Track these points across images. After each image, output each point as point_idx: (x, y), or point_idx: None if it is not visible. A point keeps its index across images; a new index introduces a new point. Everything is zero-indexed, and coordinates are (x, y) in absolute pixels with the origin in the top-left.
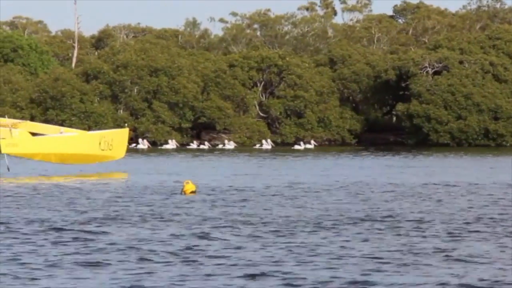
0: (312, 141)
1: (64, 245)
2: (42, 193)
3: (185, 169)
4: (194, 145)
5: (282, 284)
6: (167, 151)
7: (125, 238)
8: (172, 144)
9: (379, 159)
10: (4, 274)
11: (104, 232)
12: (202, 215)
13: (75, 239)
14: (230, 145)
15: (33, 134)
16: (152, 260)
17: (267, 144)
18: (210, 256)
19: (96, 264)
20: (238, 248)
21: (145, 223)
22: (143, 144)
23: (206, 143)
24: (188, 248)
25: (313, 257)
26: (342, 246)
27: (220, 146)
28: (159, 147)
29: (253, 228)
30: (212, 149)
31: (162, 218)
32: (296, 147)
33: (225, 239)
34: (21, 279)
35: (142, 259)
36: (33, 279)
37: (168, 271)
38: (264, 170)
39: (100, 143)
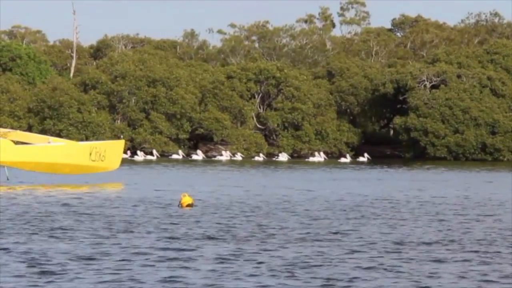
0: (366, 154)
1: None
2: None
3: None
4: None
5: None
6: (220, 162)
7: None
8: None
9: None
10: None
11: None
12: None
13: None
14: (284, 157)
15: (23, 143)
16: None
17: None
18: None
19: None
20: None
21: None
22: (197, 154)
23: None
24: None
25: None
26: None
27: (275, 158)
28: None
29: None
30: (269, 161)
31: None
32: (343, 160)
33: None
34: None
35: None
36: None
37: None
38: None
39: (90, 154)
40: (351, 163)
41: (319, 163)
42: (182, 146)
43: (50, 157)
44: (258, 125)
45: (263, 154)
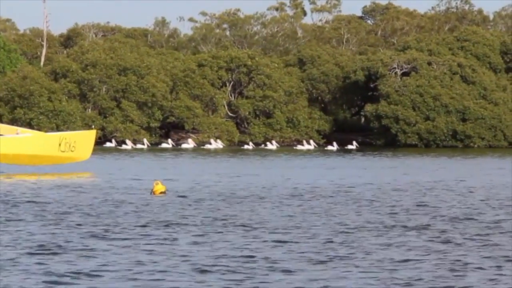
0: (354, 142)
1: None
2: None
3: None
4: (189, 144)
5: None
6: (211, 151)
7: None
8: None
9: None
10: None
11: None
12: None
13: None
14: (273, 145)
15: None
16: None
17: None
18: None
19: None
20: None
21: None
22: (188, 143)
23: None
24: None
25: None
26: None
27: (262, 146)
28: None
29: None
30: (256, 149)
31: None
32: (330, 147)
33: None
34: None
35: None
36: None
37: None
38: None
39: (60, 144)
40: (341, 151)
41: (308, 150)
42: (154, 135)
43: (18, 148)
44: (230, 113)
45: (252, 142)
